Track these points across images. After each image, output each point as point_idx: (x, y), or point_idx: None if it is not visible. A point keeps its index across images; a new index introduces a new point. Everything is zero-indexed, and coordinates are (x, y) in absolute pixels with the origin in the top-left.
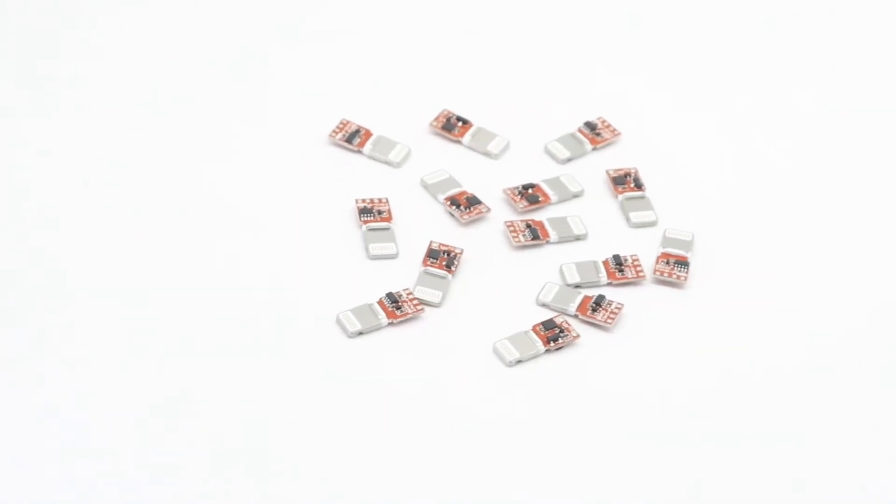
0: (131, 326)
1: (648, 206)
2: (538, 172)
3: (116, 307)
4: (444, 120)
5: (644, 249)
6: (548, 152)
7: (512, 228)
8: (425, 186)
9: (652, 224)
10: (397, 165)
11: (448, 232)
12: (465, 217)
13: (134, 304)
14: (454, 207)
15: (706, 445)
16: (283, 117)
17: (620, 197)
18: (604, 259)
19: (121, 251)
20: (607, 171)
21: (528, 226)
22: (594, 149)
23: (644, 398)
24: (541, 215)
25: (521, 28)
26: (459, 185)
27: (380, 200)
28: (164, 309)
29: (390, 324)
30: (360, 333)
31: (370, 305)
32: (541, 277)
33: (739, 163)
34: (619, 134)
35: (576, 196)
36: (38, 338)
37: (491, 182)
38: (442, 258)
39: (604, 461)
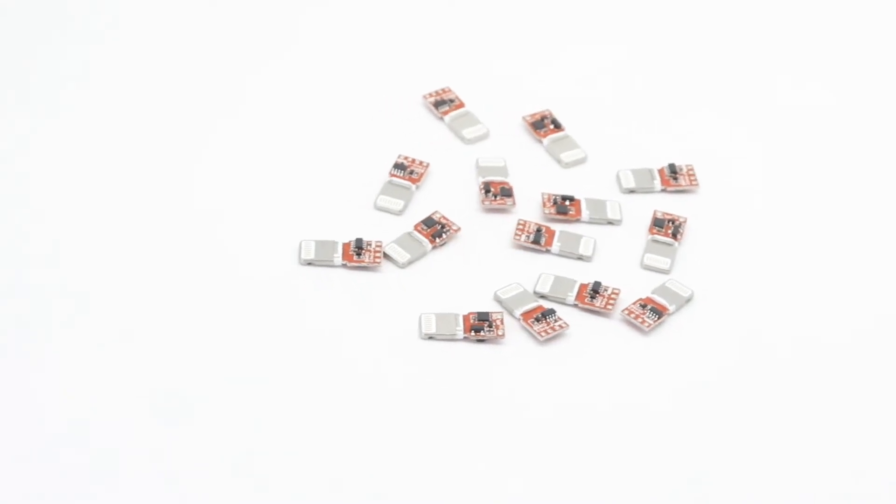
0: (133, 327)
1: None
2: (600, 192)
3: (118, 308)
4: (539, 117)
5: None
6: (617, 178)
7: (520, 228)
8: (477, 167)
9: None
10: (468, 142)
11: (466, 213)
12: (486, 203)
13: (135, 305)
14: (483, 192)
15: (708, 442)
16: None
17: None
18: (584, 282)
19: (121, 252)
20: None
21: (539, 230)
22: (664, 190)
23: (646, 396)
24: (560, 227)
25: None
26: (506, 176)
27: (420, 163)
28: (166, 310)
29: (343, 265)
30: (310, 264)
31: (334, 243)
32: (522, 276)
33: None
34: (697, 185)
35: (610, 223)
36: (34, 339)
37: (546, 186)
38: (433, 228)
39: (601, 456)
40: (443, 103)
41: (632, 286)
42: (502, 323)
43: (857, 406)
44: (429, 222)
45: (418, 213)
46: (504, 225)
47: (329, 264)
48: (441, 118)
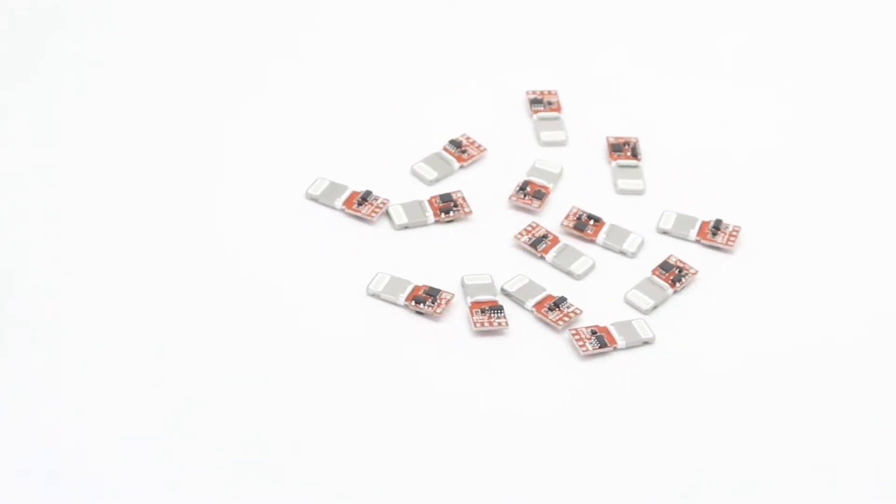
0: (139, 333)
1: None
2: (637, 223)
3: (120, 310)
4: (622, 142)
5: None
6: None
7: (527, 229)
8: (531, 166)
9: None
10: (542, 144)
11: (493, 203)
12: (513, 198)
13: (141, 308)
14: (517, 188)
15: (710, 440)
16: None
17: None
18: (548, 295)
19: (122, 253)
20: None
21: (544, 237)
22: (697, 241)
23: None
24: (569, 241)
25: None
26: (553, 184)
27: (478, 147)
28: (171, 310)
29: (342, 210)
30: (315, 201)
31: (344, 188)
32: (501, 273)
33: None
34: (732, 245)
35: (622, 254)
36: (33, 341)
37: (587, 205)
38: (446, 203)
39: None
40: (538, 102)
41: (603, 315)
42: (446, 304)
43: (842, 413)
44: (445, 197)
45: (451, 189)
46: (520, 224)
47: (330, 206)
48: (531, 116)
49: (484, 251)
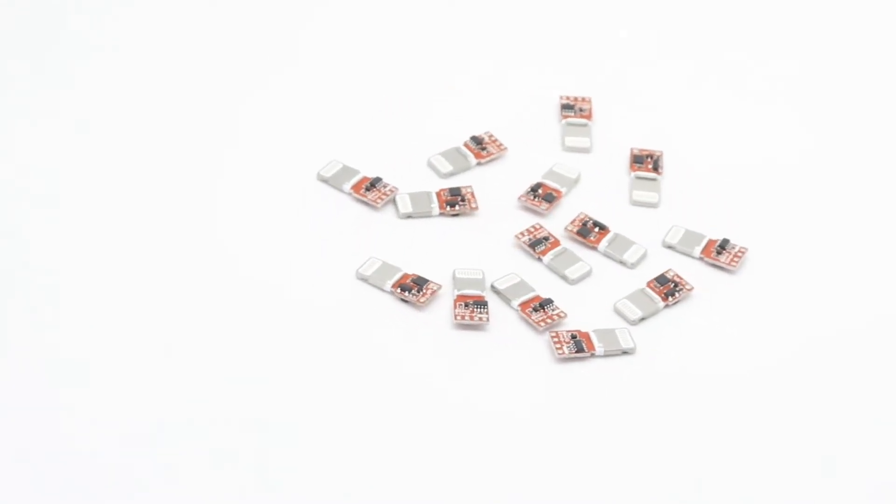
0: (146, 334)
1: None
2: (646, 237)
3: (122, 312)
4: (645, 154)
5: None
6: (430, 165)
7: (529, 230)
8: (548, 170)
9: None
10: (565, 149)
11: (503, 202)
12: (522, 199)
13: (147, 310)
14: (528, 190)
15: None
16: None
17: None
18: (535, 296)
19: (125, 255)
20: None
21: (544, 239)
22: (701, 259)
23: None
24: (569, 246)
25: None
26: (567, 188)
27: (499, 145)
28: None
29: (349, 194)
30: (325, 182)
31: (356, 172)
32: (494, 271)
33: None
34: (735, 266)
35: (622, 264)
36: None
37: (598, 213)
38: (454, 197)
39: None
40: (569, 108)
41: (589, 322)
42: (431, 294)
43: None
44: (454, 191)
45: (465, 184)
46: (525, 225)
47: (339, 189)
48: (560, 120)
49: (483, 248)
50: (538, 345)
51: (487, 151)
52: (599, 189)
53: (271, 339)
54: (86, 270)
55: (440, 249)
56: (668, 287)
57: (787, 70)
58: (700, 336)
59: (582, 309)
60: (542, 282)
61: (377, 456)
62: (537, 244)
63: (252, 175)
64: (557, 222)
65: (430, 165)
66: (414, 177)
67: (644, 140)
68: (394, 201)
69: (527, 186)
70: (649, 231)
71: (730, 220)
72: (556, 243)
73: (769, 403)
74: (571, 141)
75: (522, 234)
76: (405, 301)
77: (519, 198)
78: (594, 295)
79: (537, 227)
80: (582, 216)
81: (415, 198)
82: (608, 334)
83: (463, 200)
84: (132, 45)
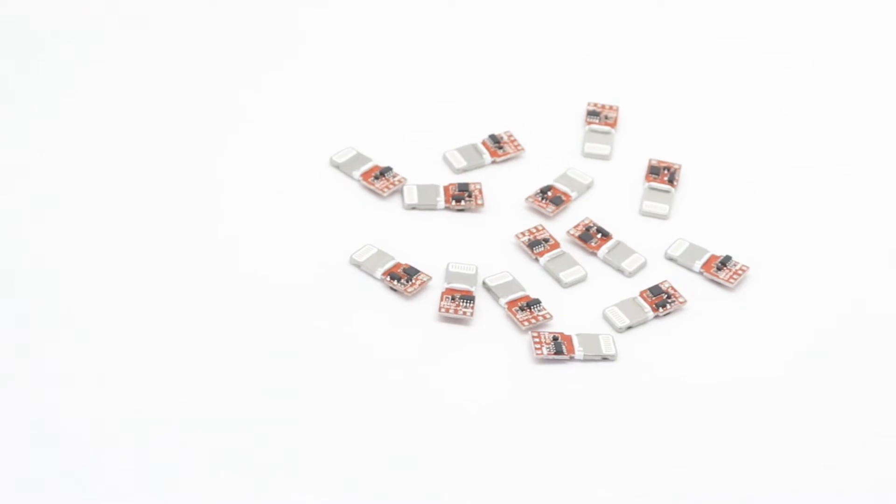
0: (152, 332)
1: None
2: (655, 248)
3: (126, 313)
4: (663, 165)
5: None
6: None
7: (530, 230)
8: (562, 174)
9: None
10: (585, 155)
11: (510, 201)
12: (529, 200)
13: (153, 311)
14: (538, 191)
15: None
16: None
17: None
18: (524, 295)
19: (127, 256)
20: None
21: (544, 240)
22: (701, 273)
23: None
24: (568, 250)
25: None
26: (578, 193)
27: (517, 145)
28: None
29: (358, 181)
30: (337, 168)
31: (368, 160)
32: (491, 267)
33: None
34: (733, 284)
35: (620, 272)
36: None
37: (608, 222)
38: (461, 192)
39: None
40: (595, 115)
41: (577, 326)
42: (420, 285)
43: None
44: (462, 186)
45: (478, 181)
46: (529, 225)
47: (349, 175)
48: (585, 126)
49: (483, 244)
50: (520, 344)
51: (504, 150)
52: (612, 197)
53: (253, 321)
54: (86, 266)
55: (439, 242)
56: (661, 298)
57: (820, 92)
58: (685, 348)
59: (571, 313)
60: (536, 283)
61: (340, 442)
62: (536, 245)
63: (265, 156)
64: (562, 226)
65: (445, 160)
66: (428, 170)
67: (667, 153)
68: (401, 192)
69: (537, 188)
70: (655, 242)
71: (739, 238)
72: (556, 245)
73: (743, 416)
74: (591, 147)
75: (523, 233)
76: (394, 290)
77: (526, 198)
78: (586, 300)
79: (539, 228)
80: (587, 221)
81: (422, 190)
82: (591, 339)
83: (470, 196)
84: (152, 23)
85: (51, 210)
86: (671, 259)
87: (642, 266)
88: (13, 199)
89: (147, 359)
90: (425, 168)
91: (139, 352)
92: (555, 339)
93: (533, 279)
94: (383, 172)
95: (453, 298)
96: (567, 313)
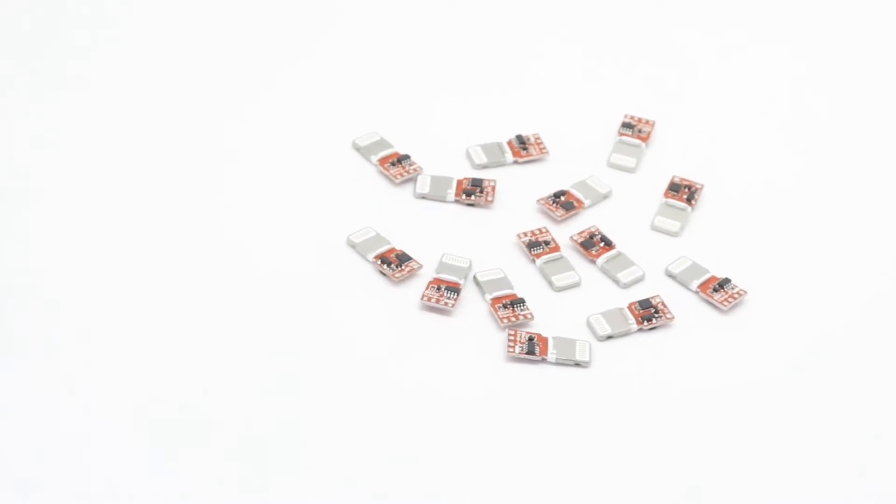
0: (154, 332)
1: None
2: (663, 259)
3: (128, 313)
4: (684, 184)
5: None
6: (467, 154)
7: (533, 231)
8: (580, 181)
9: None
10: (609, 165)
11: (523, 201)
12: (541, 201)
13: (155, 311)
14: (551, 194)
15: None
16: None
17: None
18: (510, 293)
19: (126, 257)
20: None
21: (544, 242)
22: (696, 292)
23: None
24: (567, 254)
25: None
26: (594, 201)
27: (542, 148)
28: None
29: (375, 166)
30: (357, 150)
31: (390, 146)
32: (488, 264)
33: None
34: (728, 306)
35: (615, 282)
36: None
37: (616, 233)
38: (473, 188)
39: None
40: (629, 127)
41: (559, 330)
42: (409, 272)
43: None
44: (475, 182)
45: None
46: (534, 227)
47: (367, 159)
48: (617, 137)
49: (484, 240)
50: (496, 341)
51: (528, 152)
52: (628, 209)
53: (241, 299)
54: (87, 259)
55: (442, 234)
56: (648, 312)
57: (854, 122)
58: (660, 362)
59: (557, 317)
60: (528, 283)
61: (306, 425)
62: (535, 246)
63: (286, 136)
64: (568, 231)
65: (467, 154)
66: (448, 162)
67: (694, 172)
68: (414, 180)
69: (551, 191)
70: (660, 258)
71: (746, 263)
72: (556, 249)
73: (712, 433)
74: (617, 158)
75: (525, 234)
76: (383, 274)
77: (538, 200)
78: (574, 306)
79: (543, 230)
80: (592, 229)
81: (435, 181)
82: (567, 343)
83: (481, 192)
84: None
85: (50, 198)
86: (671, 275)
87: (639, 279)
88: (15, 197)
89: (146, 358)
90: (448, 161)
91: (138, 348)
92: (530, 339)
93: (526, 280)
94: (401, 160)
95: (438, 288)
96: (553, 317)
